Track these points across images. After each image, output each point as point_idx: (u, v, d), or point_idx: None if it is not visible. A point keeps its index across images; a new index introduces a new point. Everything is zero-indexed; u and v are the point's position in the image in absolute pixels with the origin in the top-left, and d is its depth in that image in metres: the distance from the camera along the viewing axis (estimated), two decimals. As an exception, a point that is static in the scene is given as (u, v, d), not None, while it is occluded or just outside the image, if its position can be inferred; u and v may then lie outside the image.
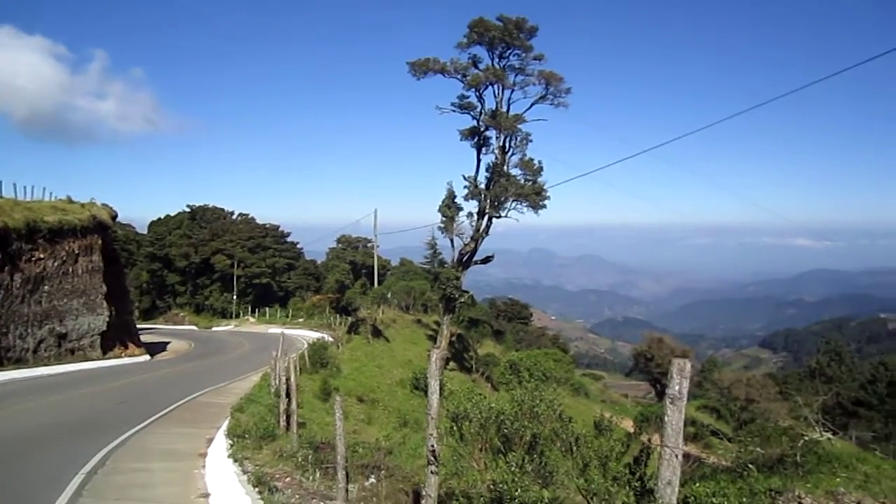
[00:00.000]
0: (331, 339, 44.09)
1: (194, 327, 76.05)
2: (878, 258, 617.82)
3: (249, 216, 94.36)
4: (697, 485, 4.91)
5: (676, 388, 4.47)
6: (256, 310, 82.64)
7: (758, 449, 11.25)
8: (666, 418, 4.53)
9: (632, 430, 34.81)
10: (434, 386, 7.42)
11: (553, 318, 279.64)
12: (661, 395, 57.25)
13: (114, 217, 46.50)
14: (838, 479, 8.65)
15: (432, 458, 7.55)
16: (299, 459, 13.40)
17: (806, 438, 10.55)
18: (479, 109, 41.73)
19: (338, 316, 67.43)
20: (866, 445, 53.20)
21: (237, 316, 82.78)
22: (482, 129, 41.91)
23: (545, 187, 41.01)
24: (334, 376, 32.81)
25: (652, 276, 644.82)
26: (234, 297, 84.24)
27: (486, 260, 44.77)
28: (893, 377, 55.62)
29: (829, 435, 10.72)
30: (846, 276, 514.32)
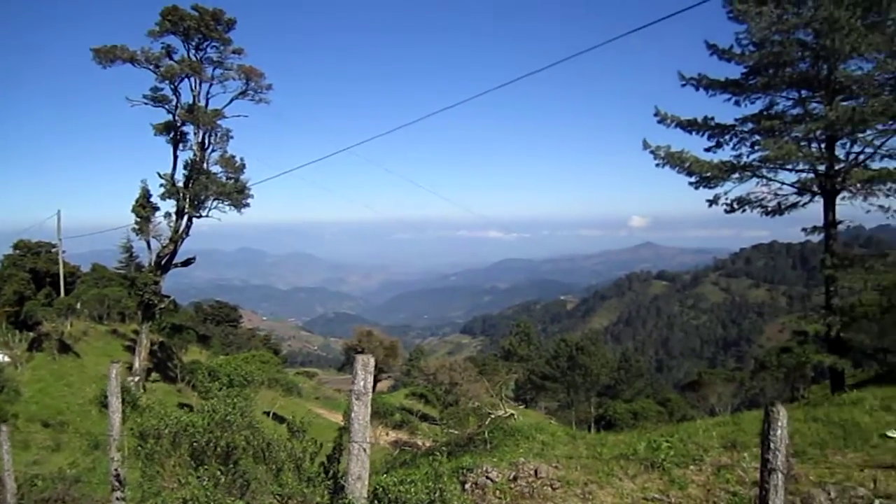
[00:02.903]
0: (7, 358, 38.78)
1: None
2: (557, 247, 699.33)
3: None
4: (385, 475, 4.96)
5: (361, 383, 4.47)
6: (-90, 333, 70.34)
7: (453, 430, 11.97)
8: (352, 414, 4.51)
9: (343, 425, 35.24)
10: (115, 403, 6.75)
11: (264, 318, 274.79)
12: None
13: None
14: (521, 450, 9.46)
15: (117, 484, 6.88)
16: (-42, 505, 11.57)
17: (492, 416, 11.41)
18: (174, 103, 39.16)
19: (17, 332, 59.72)
20: (554, 414, 59.59)
21: None
22: (178, 123, 39.42)
23: (248, 185, 39.84)
24: (12, 401, 29.00)
25: (361, 271, 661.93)
26: None
27: (188, 262, 42.33)
28: (572, 352, 62.66)
29: (512, 411, 11.72)
30: (532, 264, 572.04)
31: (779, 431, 3.68)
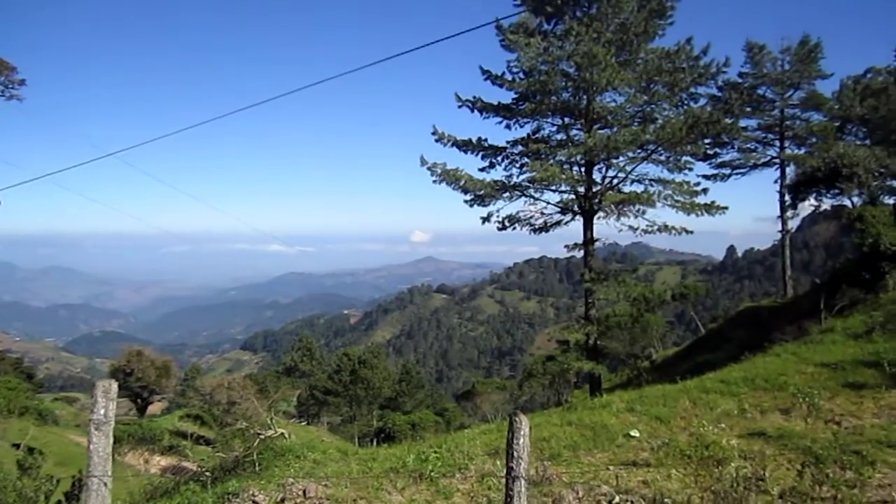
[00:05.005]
0: None
1: None
2: (340, 261, 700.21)
3: None
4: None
5: (102, 411, 4.11)
6: None
7: (220, 454, 11.49)
8: (91, 446, 4.12)
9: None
10: None
11: (17, 339, 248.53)
12: (141, 410, 55.16)
13: None
14: (291, 470, 9.27)
15: None
16: None
17: (262, 436, 11.09)
18: None
19: None
20: (337, 428, 59.20)
21: None
22: None
23: (-5, 191, 35.90)
24: None
25: (131, 286, 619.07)
26: None
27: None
28: (354, 366, 62.74)
29: (283, 430, 11.46)
30: (315, 278, 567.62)
31: (521, 440, 3.89)
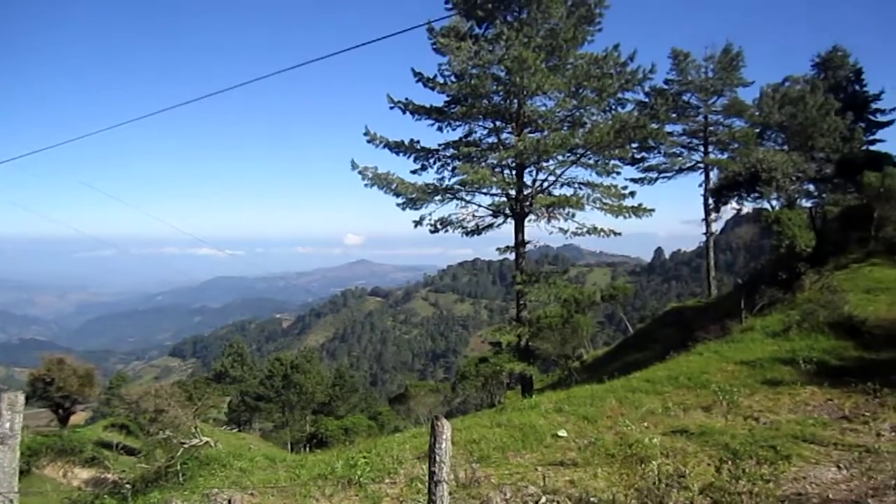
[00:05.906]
0: None
1: None
2: (271, 265, 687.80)
3: None
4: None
5: (7, 425, 3.93)
6: None
7: (141, 465, 11.19)
8: (-3, 461, 3.95)
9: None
10: None
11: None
12: (63, 421, 53.16)
13: None
14: (216, 480, 9.08)
15: None
16: None
17: (186, 445, 10.84)
18: None
19: None
20: (269, 434, 58.24)
21: None
22: None
23: None
24: None
25: (53, 291, 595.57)
26: None
27: None
28: (287, 371, 61.91)
29: (208, 438, 11.22)
30: (245, 282, 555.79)
31: (443, 444, 3.89)
